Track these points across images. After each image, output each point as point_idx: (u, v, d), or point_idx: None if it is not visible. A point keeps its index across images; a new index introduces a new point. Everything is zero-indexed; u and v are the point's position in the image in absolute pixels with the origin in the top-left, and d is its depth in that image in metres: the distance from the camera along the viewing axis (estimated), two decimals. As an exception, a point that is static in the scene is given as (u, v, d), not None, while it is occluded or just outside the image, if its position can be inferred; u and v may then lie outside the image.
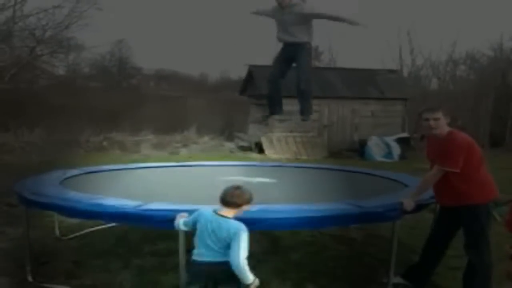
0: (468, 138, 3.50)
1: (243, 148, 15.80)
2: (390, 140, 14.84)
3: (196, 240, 2.77)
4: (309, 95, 5.16)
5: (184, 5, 59.24)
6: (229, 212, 2.73)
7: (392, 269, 3.66)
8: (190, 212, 2.95)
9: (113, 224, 5.13)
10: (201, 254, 2.72)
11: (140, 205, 3.30)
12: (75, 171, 5.18)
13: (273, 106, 5.41)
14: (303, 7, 4.89)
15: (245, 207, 2.78)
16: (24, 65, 17.31)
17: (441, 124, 3.51)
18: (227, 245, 2.65)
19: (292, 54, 5.07)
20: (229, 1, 50.76)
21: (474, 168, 3.45)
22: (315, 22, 5.07)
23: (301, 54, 5.02)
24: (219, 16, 56.66)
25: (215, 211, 2.75)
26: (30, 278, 3.86)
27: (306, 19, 4.93)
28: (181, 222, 2.93)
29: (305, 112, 5.26)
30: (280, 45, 5.25)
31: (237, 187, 2.79)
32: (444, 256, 3.80)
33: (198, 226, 2.77)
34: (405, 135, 15.70)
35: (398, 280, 3.80)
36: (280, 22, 5.03)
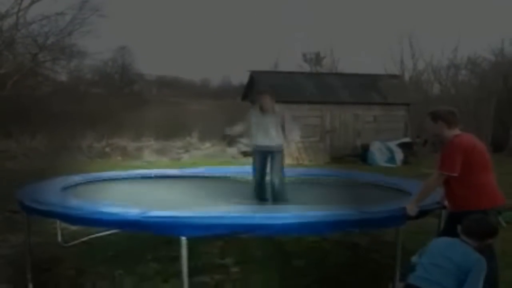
0: (468, 141, 3.38)
1: (245, 154, 15.77)
2: (393, 145, 14.81)
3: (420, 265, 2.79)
4: (284, 197, 4.99)
5: (185, 11, 59.54)
6: (472, 242, 2.77)
7: (397, 275, 3.61)
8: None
9: (115, 230, 5.10)
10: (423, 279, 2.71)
11: (142, 212, 3.27)
12: (76, 178, 5.16)
13: (259, 194, 5.23)
14: (284, 112, 5.08)
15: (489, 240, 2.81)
16: (26, 72, 17.37)
17: (437, 127, 3.46)
18: (458, 276, 2.63)
19: (267, 156, 5.08)
20: (231, 7, 51.03)
21: (475, 173, 3.32)
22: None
23: (277, 158, 5.04)
24: (220, 21, 56.90)
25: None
26: (31, 286, 3.83)
27: (282, 124, 5.05)
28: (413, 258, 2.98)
29: None
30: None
31: (481, 218, 2.84)
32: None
33: (427, 252, 2.83)
34: (407, 140, 15.67)
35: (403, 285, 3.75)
36: (259, 126, 5.06)
